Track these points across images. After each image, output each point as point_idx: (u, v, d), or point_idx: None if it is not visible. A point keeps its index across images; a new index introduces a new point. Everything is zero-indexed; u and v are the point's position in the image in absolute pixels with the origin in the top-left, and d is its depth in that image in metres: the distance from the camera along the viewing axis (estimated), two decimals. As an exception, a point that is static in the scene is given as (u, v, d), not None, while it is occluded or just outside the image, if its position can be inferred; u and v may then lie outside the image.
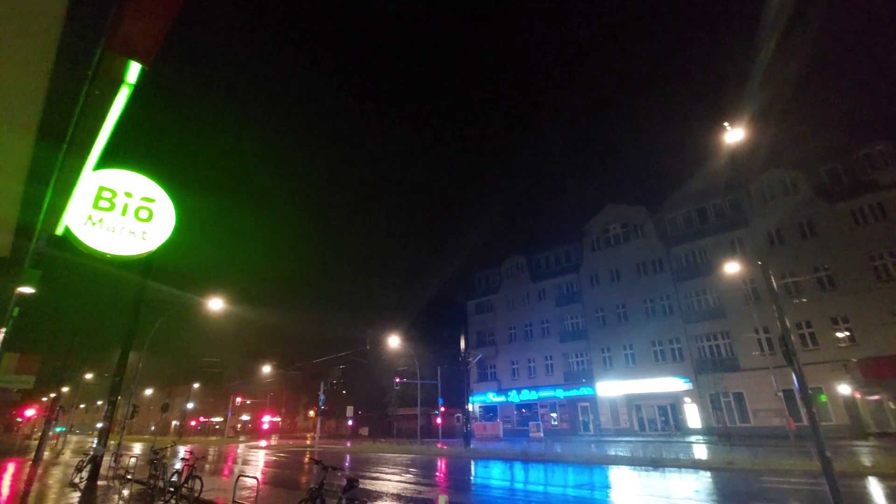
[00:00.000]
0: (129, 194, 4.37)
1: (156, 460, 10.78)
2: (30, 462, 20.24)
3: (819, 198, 26.17)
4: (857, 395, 22.86)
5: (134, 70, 2.02)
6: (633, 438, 28.05)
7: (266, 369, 56.23)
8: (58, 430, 40.98)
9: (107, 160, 4.07)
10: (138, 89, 2.18)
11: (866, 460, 13.43)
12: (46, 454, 25.58)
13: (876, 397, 22.57)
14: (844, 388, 23.20)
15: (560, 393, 34.58)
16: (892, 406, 22.08)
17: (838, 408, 23.22)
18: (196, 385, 70.28)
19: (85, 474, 11.30)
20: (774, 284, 8.72)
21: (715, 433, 26.12)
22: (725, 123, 12.44)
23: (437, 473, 15.53)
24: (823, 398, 23.65)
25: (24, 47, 1.92)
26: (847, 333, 23.82)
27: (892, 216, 23.68)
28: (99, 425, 9.21)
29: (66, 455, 26.27)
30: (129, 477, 11.91)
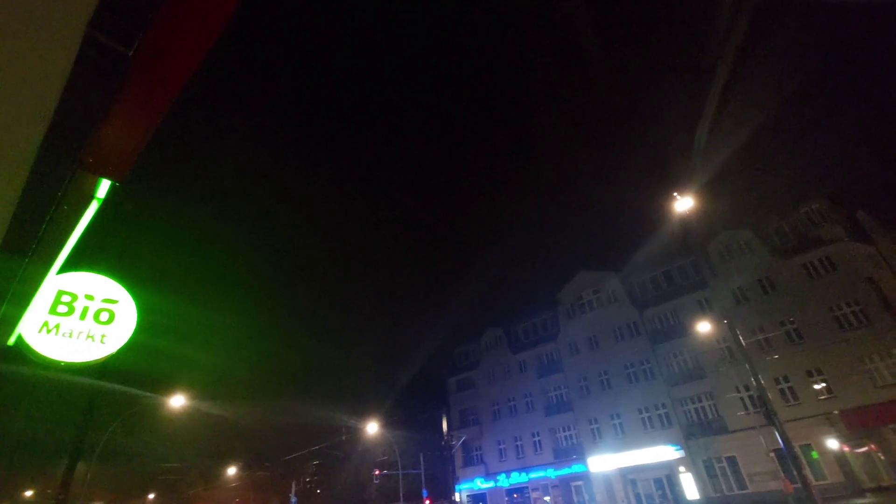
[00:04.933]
0: (89, 297, 4.24)
1: None
2: None
3: (772, 255, 27.72)
4: (846, 449, 22.61)
5: (104, 186, 2.09)
6: (632, 517, 26.37)
7: (231, 471, 51.42)
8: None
9: (69, 264, 4.00)
10: (108, 202, 2.24)
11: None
12: None
13: (864, 449, 22.35)
14: (833, 443, 22.96)
15: (551, 472, 32.73)
16: (882, 458, 21.85)
17: (830, 464, 22.78)
18: (151, 496, 63.01)
19: None
20: (742, 342, 8.96)
21: (714, 503, 24.92)
22: (675, 193, 13.44)
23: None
24: (815, 455, 23.24)
25: (-5, 170, 1.98)
26: (824, 385, 24.08)
27: (842, 268, 25.11)
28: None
29: None
30: None
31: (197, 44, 1.50)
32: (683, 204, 12.19)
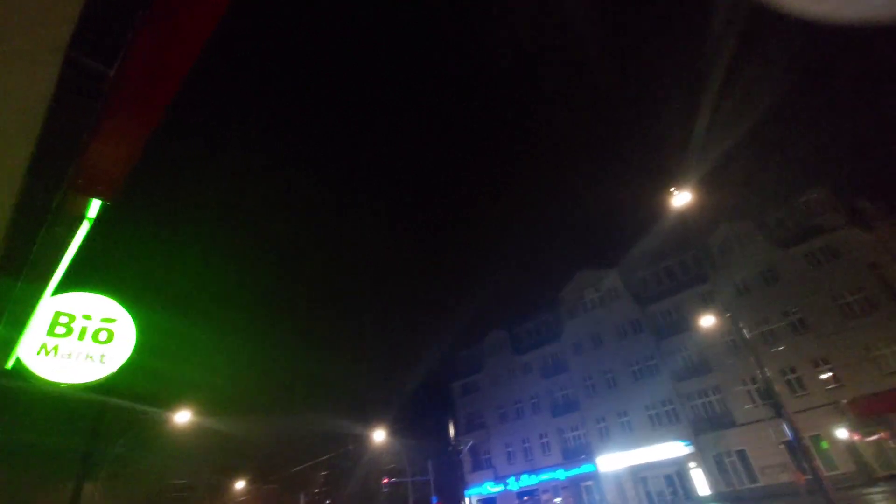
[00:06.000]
0: (87, 317, 4.22)
1: None
2: None
3: (773, 246, 27.64)
4: (856, 438, 22.47)
5: (95, 206, 2.08)
6: (644, 516, 26.20)
7: (239, 485, 51.21)
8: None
9: (65, 284, 3.98)
10: (99, 221, 2.23)
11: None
12: None
13: (874, 437, 22.22)
14: (843, 433, 22.82)
15: (561, 474, 32.54)
16: (893, 445, 21.71)
17: (841, 454, 22.63)
18: (161, 513, 62.61)
19: None
20: (746, 334, 8.92)
21: (726, 499, 24.74)
22: (672, 188, 13.43)
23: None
24: (825, 445, 23.08)
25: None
26: (831, 374, 23.95)
27: (844, 256, 25.02)
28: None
29: None
30: None
31: (179, 59, 1.50)
32: (681, 198, 12.18)
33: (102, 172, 1.85)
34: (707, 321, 25.33)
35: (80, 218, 2.10)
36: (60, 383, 3.98)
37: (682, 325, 29.84)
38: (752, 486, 24.64)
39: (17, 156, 1.78)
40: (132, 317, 4.46)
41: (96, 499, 18.00)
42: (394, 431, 37.43)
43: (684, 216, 14.33)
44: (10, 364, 3.77)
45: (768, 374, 10.10)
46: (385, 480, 33.78)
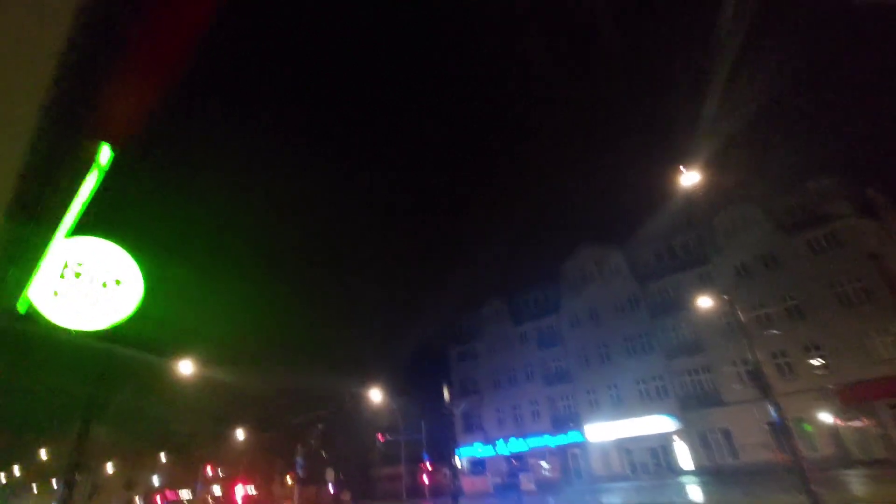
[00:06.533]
0: (97, 264, 4.30)
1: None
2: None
3: (777, 231, 27.49)
4: (839, 423, 23.07)
5: (106, 153, 2.10)
6: (626, 484, 27.28)
7: (238, 434, 53.15)
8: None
9: (76, 231, 4.04)
10: (112, 169, 2.25)
11: (857, 490, 13.40)
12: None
13: (857, 423, 22.81)
14: (826, 417, 23.41)
15: (549, 440, 33.68)
16: (874, 431, 22.29)
17: (823, 437, 23.30)
18: (163, 458, 65.49)
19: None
20: (742, 317, 9.04)
21: (708, 473, 25.67)
22: (681, 167, 13.25)
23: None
24: (808, 428, 23.73)
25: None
26: (821, 361, 24.34)
27: (848, 246, 24.93)
28: (53, 511, 8.49)
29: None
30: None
31: (196, 7, 1.48)
32: (689, 178, 12.04)
33: (116, 119, 1.86)
34: (704, 302, 25.51)
35: (93, 164, 2.12)
36: (70, 329, 4.10)
37: (679, 304, 30.09)
38: (733, 462, 25.51)
39: (31, 99, 1.79)
40: (140, 266, 4.54)
41: (102, 439, 18.77)
42: (390, 391, 38.52)
43: (691, 196, 14.21)
44: (22, 308, 3.87)
45: (758, 357, 10.30)
46: (380, 437, 35.05)
